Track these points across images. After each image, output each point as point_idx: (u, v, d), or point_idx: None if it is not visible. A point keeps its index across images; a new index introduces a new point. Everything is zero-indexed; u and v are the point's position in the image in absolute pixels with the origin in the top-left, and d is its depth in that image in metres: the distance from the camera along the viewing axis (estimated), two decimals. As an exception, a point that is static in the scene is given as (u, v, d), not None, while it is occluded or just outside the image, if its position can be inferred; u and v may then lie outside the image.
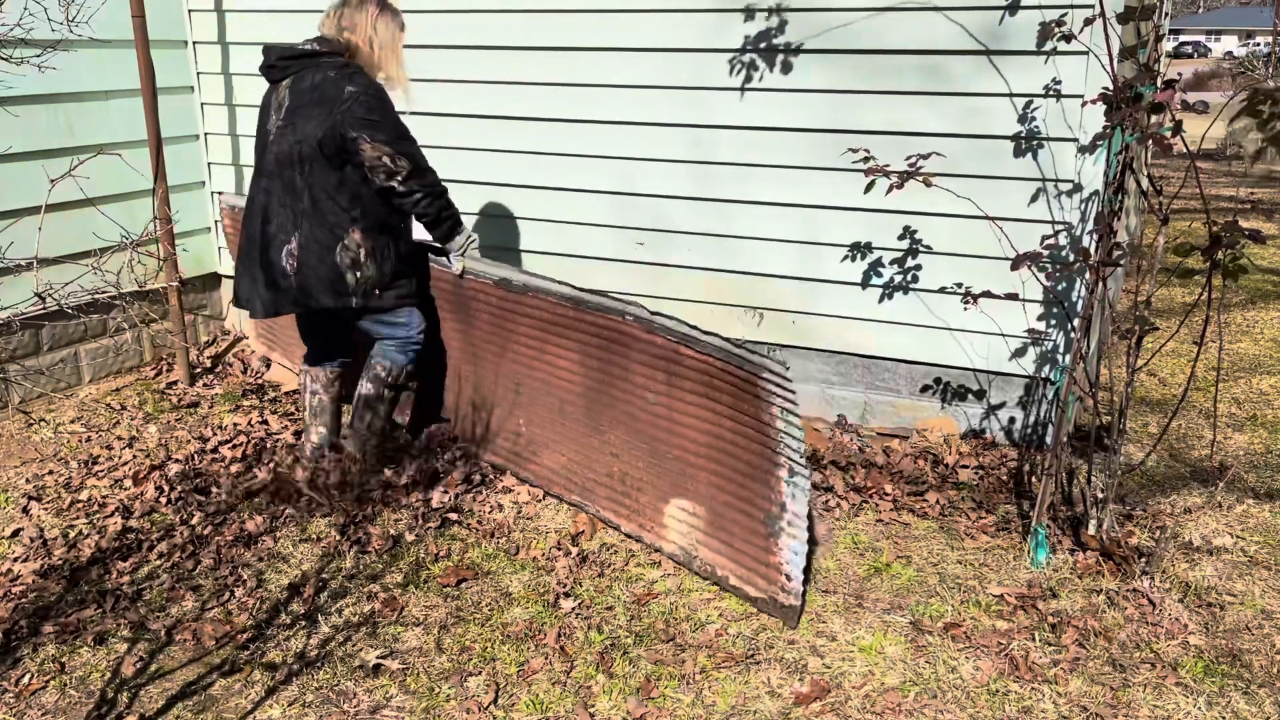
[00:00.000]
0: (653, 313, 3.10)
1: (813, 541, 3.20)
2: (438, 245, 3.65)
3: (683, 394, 3.05)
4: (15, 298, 3.94)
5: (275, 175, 3.38)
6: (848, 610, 2.91)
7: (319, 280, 3.35)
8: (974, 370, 3.81)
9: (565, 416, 3.48)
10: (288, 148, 3.33)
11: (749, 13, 3.77)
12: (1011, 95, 3.47)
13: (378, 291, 3.44)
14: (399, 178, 3.33)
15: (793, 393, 2.76)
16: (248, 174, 5.00)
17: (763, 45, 3.78)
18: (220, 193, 4.59)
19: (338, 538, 3.29)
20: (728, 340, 2.90)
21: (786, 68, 3.77)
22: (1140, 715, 2.46)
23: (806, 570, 2.94)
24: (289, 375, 4.70)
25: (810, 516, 3.09)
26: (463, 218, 3.65)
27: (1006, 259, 3.50)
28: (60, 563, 3.15)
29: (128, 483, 3.67)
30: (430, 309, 3.84)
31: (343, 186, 3.33)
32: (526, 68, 4.21)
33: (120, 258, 2.27)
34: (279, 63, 3.41)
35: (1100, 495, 3.12)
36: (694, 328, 2.99)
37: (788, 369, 2.77)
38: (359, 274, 3.38)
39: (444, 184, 3.49)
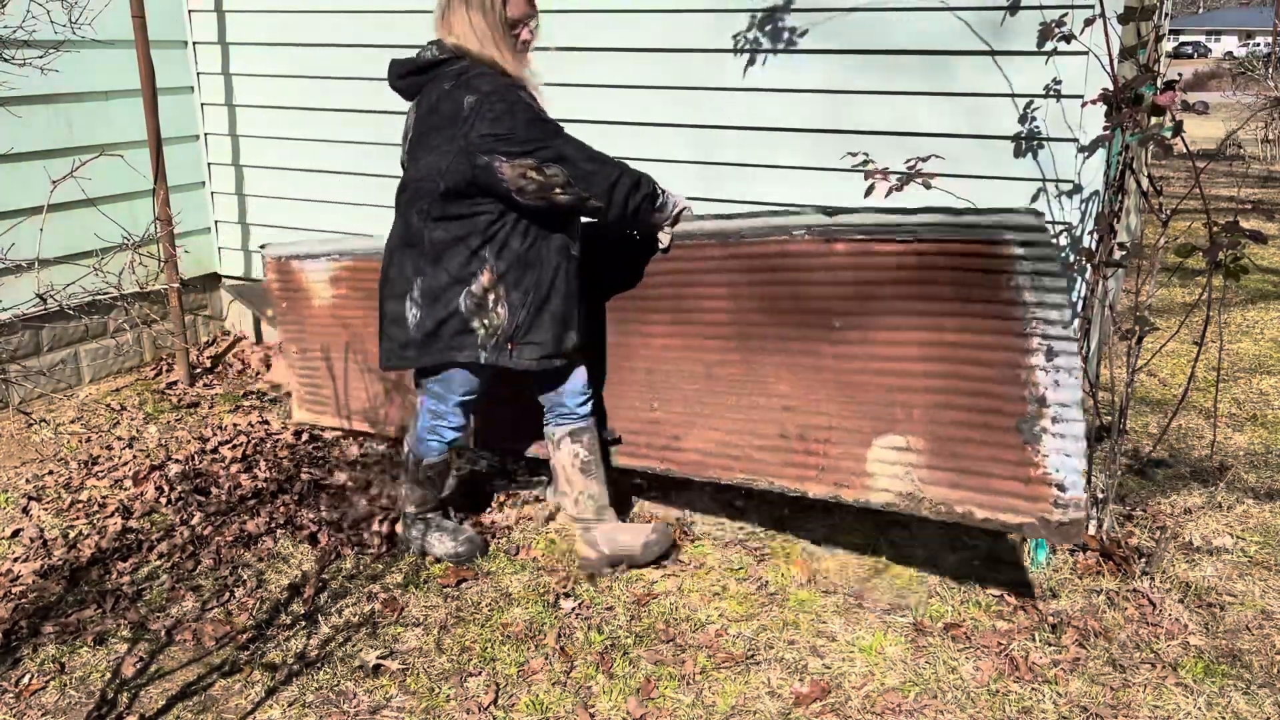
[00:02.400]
0: (829, 210, 2.63)
1: (1091, 440, 2.68)
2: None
3: (883, 302, 2.59)
4: (16, 298, 3.94)
5: (400, 215, 2.94)
6: (848, 610, 2.91)
7: (447, 332, 2.87)
8: (974, 370, 3.81)
9: (715, 380, 3.02)
10: (409, 184, 2.89)
11: (750, 12, 3.77)
12: (1012, 95, 3.47)
13: (510, 346, 2.89)
14: (556, 192, 2.74)
15: (1049, 245, 2.23)
16: (248, 174, 5.01)
17: (764, 45, 3.78)
18: (266, 245, 3.98)
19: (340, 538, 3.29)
20: (942, 210, 2.38)
21: (788, 67, 3.77)
22: (1140, 715, 2.46)
23: (1088, 477, 2.47)
24: (289, 375, 4.69)
25: (1083, 407, 2.50)
26: (651, 177, 3.04)
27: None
28: (60, 563, 3.15)
29: (128, 483, 3.67)
30: None
31: (471, 223, 2.80)
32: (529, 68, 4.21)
33: (121, 258, 2.27)
34: (399, 83, 2.94)
35: (1100, 495, 3.12)
36: (890, 211, 2.45)
37: (1040, 216, 2.26)
38: (488, 323, 2.86)
39: (621, 164, 2.90)
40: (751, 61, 3.83)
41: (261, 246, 3.96)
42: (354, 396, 3.82)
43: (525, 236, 2.83)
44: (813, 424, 2.84)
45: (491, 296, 2.83)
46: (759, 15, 3.76)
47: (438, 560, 3.18)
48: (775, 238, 2.76)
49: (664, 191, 2.97)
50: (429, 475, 3.17)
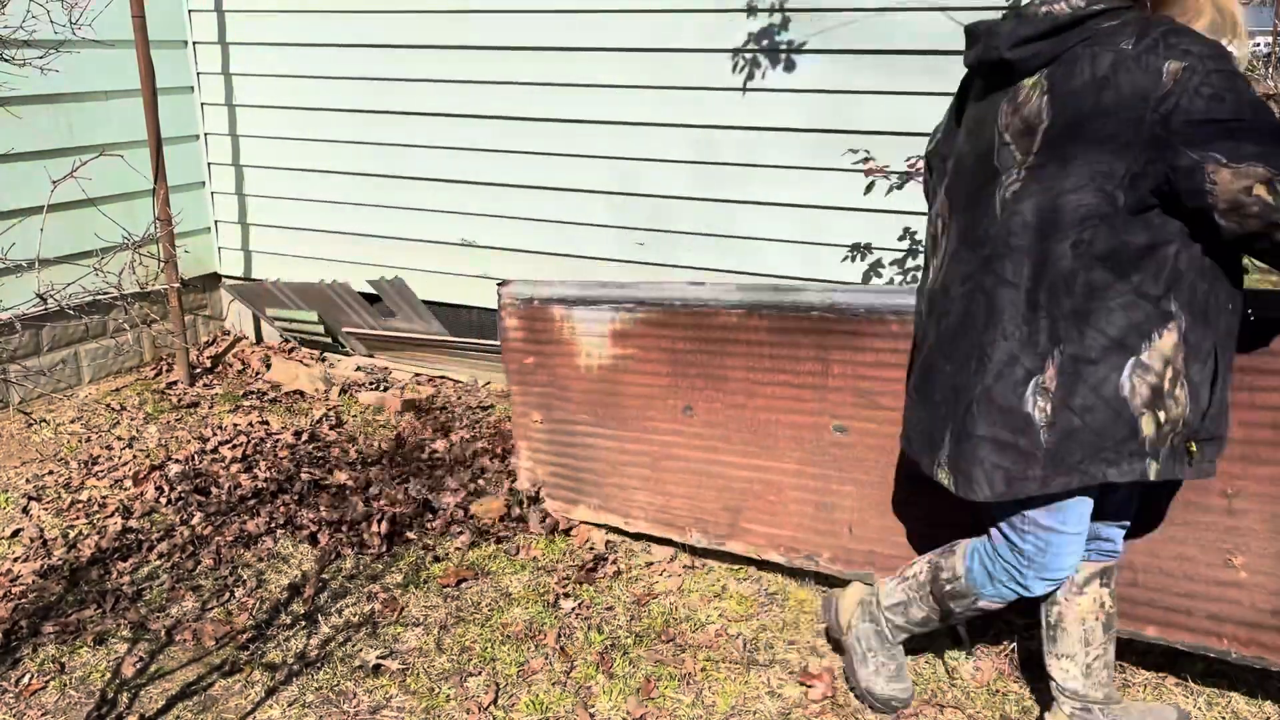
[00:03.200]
0: None
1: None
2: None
3: None
4: (16, 298, 3.94)
5: (980, 256, 1.98)
6: (848, 610, 2.91)
7: (1097, 434, 1.91)
8: (974, 370, 3.81)
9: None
10: (1022, 208, 1.90)
11: (750, 12, 3.77)
12: (1011, 96, 3.47)
13: (1188, 447, 1.96)
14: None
15: None
16: (248, 174, 5.01)
17: (764, 44, 3.79)
18: (504, 283, 3.28)
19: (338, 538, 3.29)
20: None
21: (789, 67, 3.78)
22: (571, 518, 2.46)
23: None
24: (289, 375, 4.70)
25: None
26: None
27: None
28: (60, 563, 3.15)
29: (128, 483, 3.67)
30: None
31: (1148, 257, 1.85)
32: (530, 68, 4.21)
33: (121, 258, 2.27)
34: (1015, 52, 1.88)
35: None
36: None
37: None
38: (1162, 415, 1.92)
39: None
40: (753, 62, 3.83)
41: (500, 284, 3.27)
42: (640, 490, 3.17)
43: (1203, 279, 1.89)
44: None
45: (1170, 371, 1.89)
46: (760, 15, 3.76)
47: (874, 698, 2.50)
48: None
49: None
50: (960, 617, 2.38)
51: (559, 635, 2.81)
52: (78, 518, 3.45)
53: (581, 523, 3.33)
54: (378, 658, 2.71)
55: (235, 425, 4.18)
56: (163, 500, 3.53)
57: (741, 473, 2.99)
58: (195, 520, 3.40)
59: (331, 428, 4.18)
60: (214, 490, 3.60)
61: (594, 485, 3.27)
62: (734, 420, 2.96)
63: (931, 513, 2.67)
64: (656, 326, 3.00)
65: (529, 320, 3.23)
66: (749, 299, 2.85)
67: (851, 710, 2.50)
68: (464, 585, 3.06)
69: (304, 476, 3.67)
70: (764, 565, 3.11)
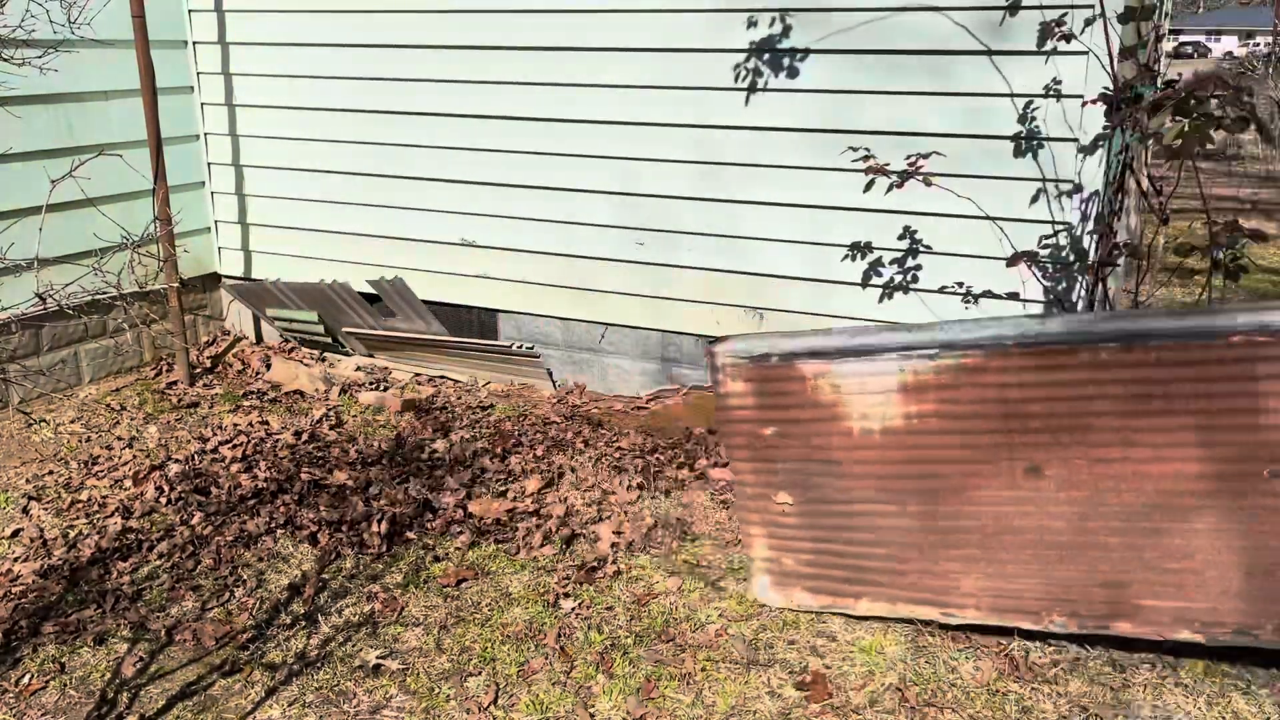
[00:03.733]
0: None
1: None
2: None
3: None
4: (16, 298, 3.94)
5: None
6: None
7: None
8: (974, 370, 3.81)
9: None
10: None
11: (752, 13, 3.77)
12: (1012, 95, 3.47)
13: None
14: None
15: None
16: (248, 174, 5.01)
17: (766, 45, 3.78)
18: (719, 340, 2.78)
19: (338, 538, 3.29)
20: None
21: (791, 69, 3.77)
22: (1140, 715, 2.46)
23: None
24: (289, 375, 4.70)
25: None
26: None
27: (1007, 259, 3.50)
28: (60, 563, 3.15)
29: (128, 483, 3.67)
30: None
31: None
32: (530, 68, 4.21)
33: (120, 258, 2.27)
34: None
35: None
36: None
37: None
38: None
39: None
40: (755, 64, 3.83)
41: (712, 341, 2.77)
42: (965, 573, 2.66)
43: None
44: None
45: None
46: (763, 16, 3.75)
47: None
48: None
49: None
50: None
51: (559, 635, 2.80)
52: (78, 518, 3.45)
53: (864, 618, 2.80)
54: (378, 658, 2.71)
55: (235, 425, 4.18)
56: (163, 500, 3.53)
57: (1123, 539, 2.47)
58: (195, 520, 3.40)
59: (331, 428, 4.18)
60: (214, 490, 3.60)
61: (886, 573, 2.71)
62: (1106, 477, 2.45)
63: None
64: (974, 374, 2.49)
65: (762, 383, 2.70)
66: (1128, 327, 2.36)
67: (851, 710, 2.50)
68: (464, 585, 3.06)
69: (304, 476, 3.67)
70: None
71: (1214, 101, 2.71)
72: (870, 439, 2.64)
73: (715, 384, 2.75)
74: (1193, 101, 2.71)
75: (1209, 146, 2.71)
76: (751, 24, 3.77)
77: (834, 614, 2.77)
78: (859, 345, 2.58)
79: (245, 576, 3.09)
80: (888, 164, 3.45)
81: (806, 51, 3.72)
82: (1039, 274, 3.53)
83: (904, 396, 2.56)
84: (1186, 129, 2.68)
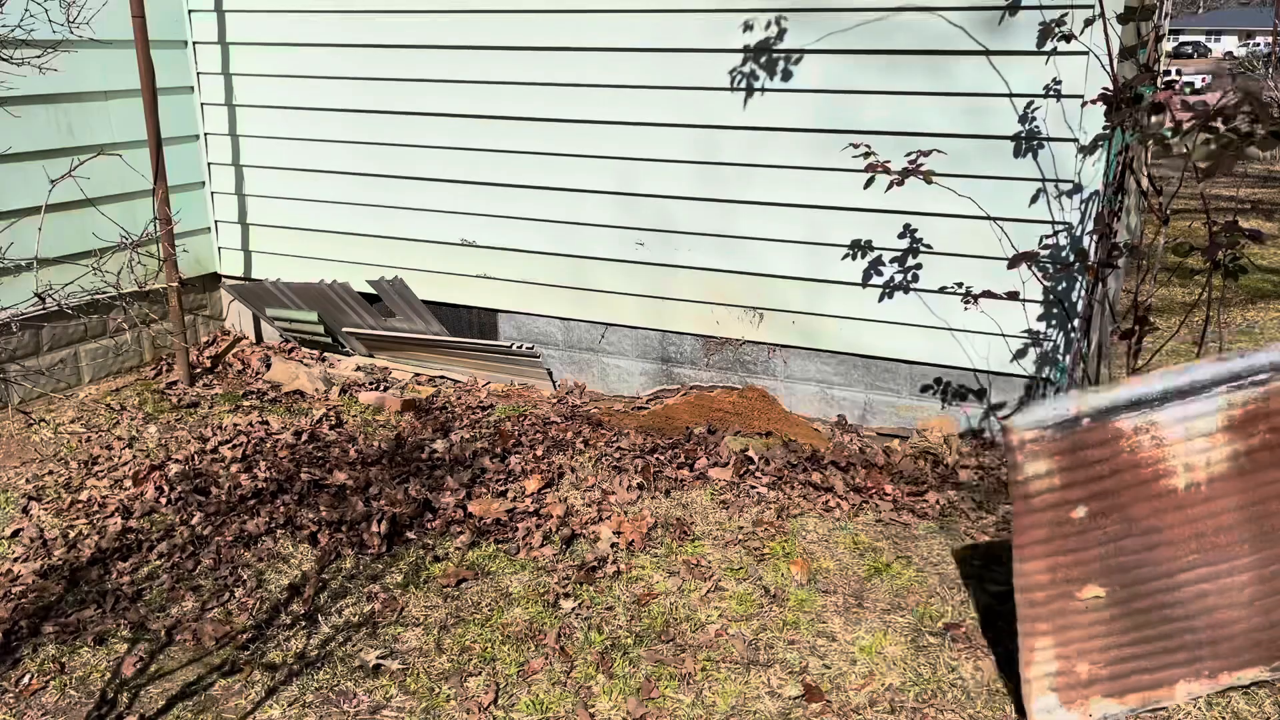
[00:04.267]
0: None
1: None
2: None
3: None
4: (15, 298, 3.94)
5: None
6: (848, 610, 2.91)
7: None
8: (974, 370, 3.81)
9: None
10: None
11: (751, 14, 3.77)
12: (1012, 95, 3.47)
13: None
14: None
15: None
16: (248, 174, 5.01)
17: (766, 46, 3.78)
18: (1013, 411, 2.60)
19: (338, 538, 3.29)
20: None
21: (789, 69, 3.78)
22: (1140, 715, 2.46)
23: None
24: (289, 375, 4.70)
25: None
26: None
27: (1007, 259, 3.50)
28: (60, 563, 3.15)
29: (128, 483, 3.67)
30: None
31: None
32: (530, 68, 4.21)
33: (120, 258, 2.27)
34: None
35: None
36: None
37: None
38: None
39: None
40: (755, 64, 3.83)
41: (1006, 417, 2.50)
42: None
43: None
44: None
45: None
46: (762, 16, 3.76)
47: None
48: None
49: None
50: None
51: (559, 635, 2.80)
52: (78, 518, 3.45)
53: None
54: (378, 658, 2.71)
55: (235, 425, 4.18)
56: (163, 500, 3.53)
57: None
58: (195, 520, 3.40)
59: (331, 428, 4.18)
60: (214, 490, 3.60)
61: (1209, 644, 2.38)
62: None
63: None
64: None
65: (1072, 453, 2.27)
66: None
67: (851, 710, 2.50)
68: (464, 585, 3.06)
69: (304, 476, 3.67)
70: (762, 560, 3.11)
71: (1240, 117, 2.66)
72: (1194, 493, 2.29)
73: (1012, 466, 2.28)
74: (1220, 120, 2.67)
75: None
76: (750, 25, 3.77)
77: (1146, 713, 2.42)
78: (1186, 384, 2.25)
79: (245, 577, 3.09)
80: (888, 162, 3.46)
81: (805, 52, 3.72)
82: (1039, 274, 3.53)
83: (1230, 435, 2.26)
84: (1214, 147, 2.61)
